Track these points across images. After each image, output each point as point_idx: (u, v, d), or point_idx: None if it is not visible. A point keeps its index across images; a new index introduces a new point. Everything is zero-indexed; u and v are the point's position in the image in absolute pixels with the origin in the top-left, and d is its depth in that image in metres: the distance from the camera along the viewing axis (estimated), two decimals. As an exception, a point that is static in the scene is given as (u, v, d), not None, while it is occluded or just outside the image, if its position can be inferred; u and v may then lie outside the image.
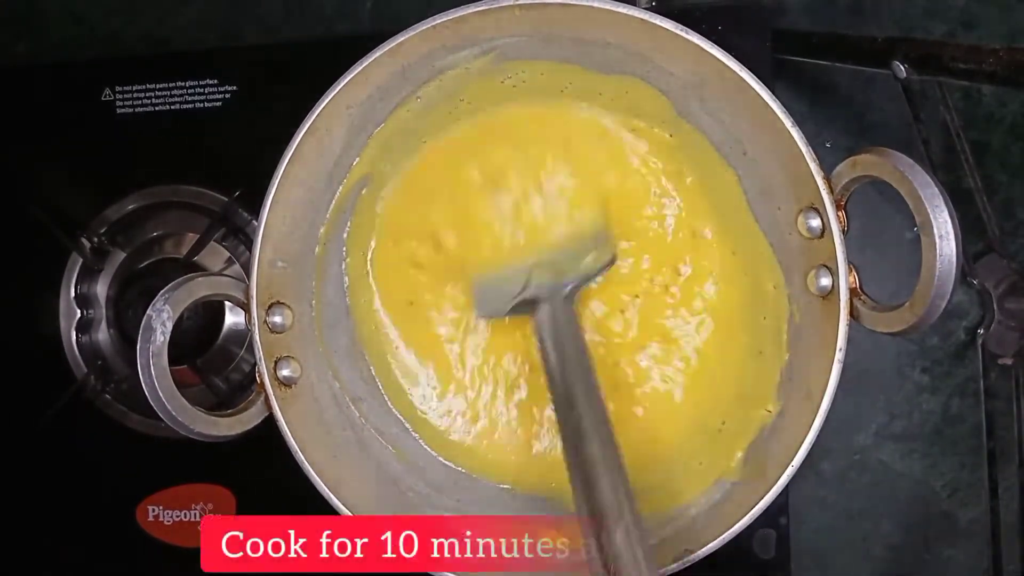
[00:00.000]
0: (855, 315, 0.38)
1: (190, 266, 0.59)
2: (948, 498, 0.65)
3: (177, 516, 0.60)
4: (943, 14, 0.64)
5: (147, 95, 0.61)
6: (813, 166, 0.38)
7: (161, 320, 0.37)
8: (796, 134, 0.38)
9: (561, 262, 0.46)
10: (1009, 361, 0.63)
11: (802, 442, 0.38)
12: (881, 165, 0.36)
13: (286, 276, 0.43)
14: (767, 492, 0.38)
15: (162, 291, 0.38)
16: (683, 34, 0.39)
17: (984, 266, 0.63)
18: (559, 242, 0.47)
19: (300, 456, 0.40)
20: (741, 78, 0.39)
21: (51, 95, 0.64)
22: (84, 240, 0.61)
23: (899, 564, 0.65)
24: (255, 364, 0.41)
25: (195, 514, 0.59)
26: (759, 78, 0.39)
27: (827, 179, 0.38)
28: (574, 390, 0.39)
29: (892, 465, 0.65)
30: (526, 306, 0.45)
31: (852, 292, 0.38)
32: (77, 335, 0.62)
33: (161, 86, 0.61)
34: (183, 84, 0.61)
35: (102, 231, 0.62)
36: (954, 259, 0.34)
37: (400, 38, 0.40)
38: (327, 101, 0.40)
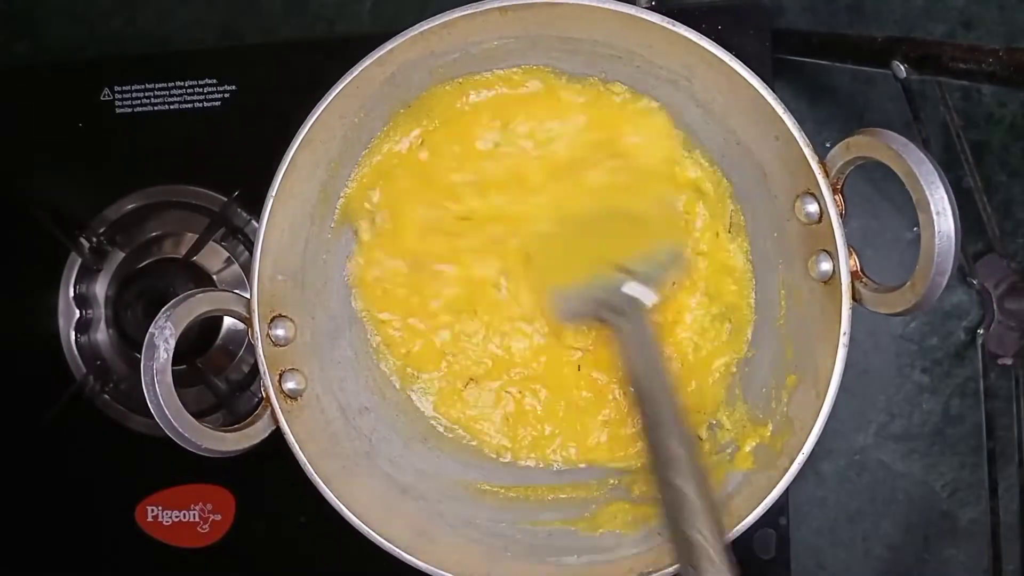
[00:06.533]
0: (857, 298, 0.38)
1: (189, 266, 0.59)
2: (948, 498, 0.65)
3: (176, 516, 0.60)
4: (943, 14, 0.64)
5: (146, 95, 0.61)
6: (807, 151, 0.38)
7: (164, 337, 0.37)
8: (788, 119, 0.38)
9: (645, 272, 0.45)
10: (1009, 361, 0.63)
11: (810, 430, 0.38)
12: (875, 145, 0.36)
13: (287, 289, 0.43)
14: (778, 482, 0.38)
15: (164, 308, 0.38)
16: (670, 27, 0.39)
17: (984, 266, 0.63)
18: (640, 251, 0.46)
19: (309, 468, 0.40)
20: (730, 67, 0.38)
21: (51, 95, 0.64)
22: (83, 240, 0.61)
23: (899, 564, 0.65)
24: (255, 363, 0.41)
25: (194, 514, 0.59)
26: (760, 77, 0.39)
27: (822, 163, 0.38)
28: (661, 409, 0.40)
29: (892, 465, 0.65)
30: (604, 314, 0.45)
31: (853, 275, 0.38)
32: (76, 335, 0.62)
33: (160, 86, 0.61)
34: (182, 84, 0.61)
35: (101, 231, 0.62)
36: (953, 235, 0.34)
37: (389, 46, 0.40)
38: (319, 112, 0.40)
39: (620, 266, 0.45)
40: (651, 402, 0.40)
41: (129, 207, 0.62)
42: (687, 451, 0.38)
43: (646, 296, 0.45)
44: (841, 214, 0.38)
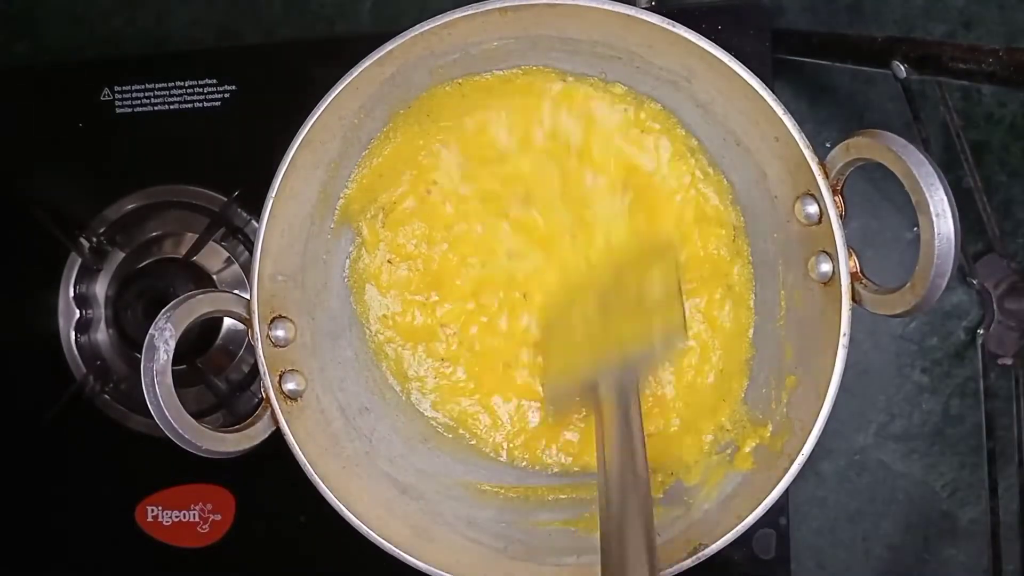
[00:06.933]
0: (857, 299, 0.38)
1: (189, 266, 0.59)
2: (948, 498, 0.65)
3: (176, 516, 0.60)
4: (943, 14, 0.64)
5: (146, 95, 0.61)
6: (807, 152, 0.38)
7: (164, 339, 0.37)
8: (788, 120, 0.38)
9: (628, 346, 0.44)
10: (1009, 361, 0.63)
11: (810, 431, 0.38)
12: (875, 147, 0.36)
13: (287, 290, 0.43)
14: (778, 482, 0.38)
15: (164, 309, 0.38)
16: (670, 27, 0.39)
17: (984, 266, 0.63)
18: (625, 318, 0.44)
19: (309, 468, 0.40)
20: (730, 68, 0.38)
21: (50, 95, 0.64)
22: (83, 240, 0.61)
23: (899, 564, 0.65)
24: (255, 363, 0.41)
25: (194, 514, 0.59)
26: (759, 78, 0.39)
27: (822, 164, 0.38)
28: (625, 481, 0.38)
29: (892, 465, 0.65)
30: (589, 397, 0.44)
31: (853, 276, 0.38)
32: (76, 335, 0.62)
33: (160, 86, 0.61)
34: (182, 84, 0.61)
35: (101, 231, 0.62)
36: (952, 237, 0.34)
37: (389, 46, 0.40)
38: (319, 113, 0.40)
39: (620, 350, 0.43)
40: (619, 490, 0.38)
41: (129, 207, 0.62)
42: (648, 546, 0.35)
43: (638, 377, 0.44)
44: (841, 215, 0.38)
